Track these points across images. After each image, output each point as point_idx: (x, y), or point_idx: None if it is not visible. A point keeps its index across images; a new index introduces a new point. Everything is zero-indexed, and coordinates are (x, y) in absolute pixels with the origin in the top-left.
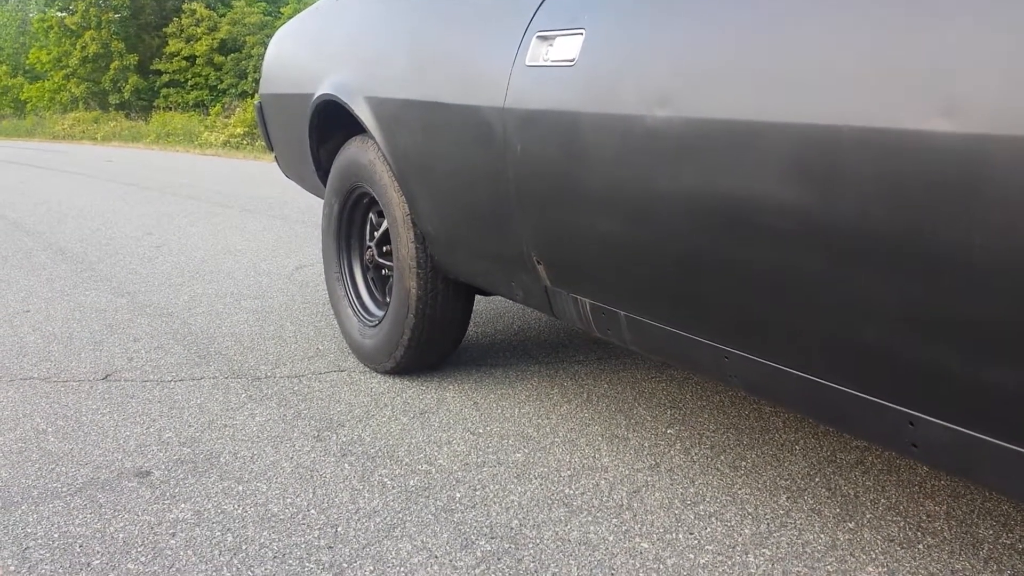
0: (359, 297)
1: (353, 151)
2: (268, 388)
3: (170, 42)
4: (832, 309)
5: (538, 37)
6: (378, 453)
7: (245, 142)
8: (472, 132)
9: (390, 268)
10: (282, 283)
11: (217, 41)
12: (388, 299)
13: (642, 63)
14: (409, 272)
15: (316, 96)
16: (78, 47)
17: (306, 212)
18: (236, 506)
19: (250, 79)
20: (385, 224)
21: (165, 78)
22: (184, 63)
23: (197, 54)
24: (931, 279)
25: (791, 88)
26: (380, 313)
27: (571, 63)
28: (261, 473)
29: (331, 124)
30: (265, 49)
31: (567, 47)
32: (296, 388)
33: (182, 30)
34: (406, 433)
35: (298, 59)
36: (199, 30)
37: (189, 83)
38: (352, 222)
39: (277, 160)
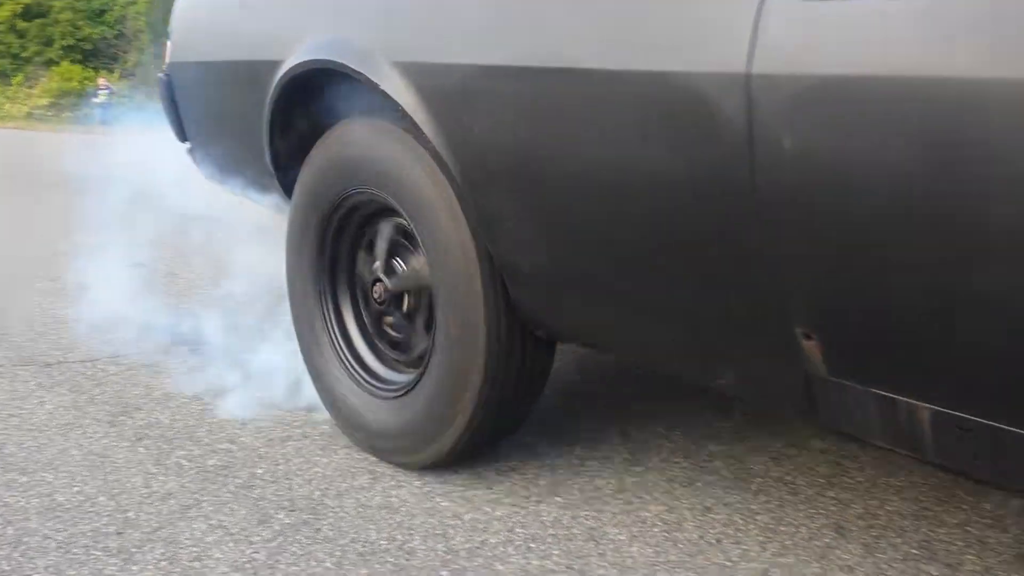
0: (355, 354)
1: (351, 141)
2: (60, 374)
3: None
4: None
5: None
6: (176, 435)
7: (50, 113)
8: (662, 116)
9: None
10: (80, 263)
11: (21, 6)
12: (403, 355)
13: None
14: (476, 344)
15: (289, 65)
16: None
17: (112, 188)
18: (19, 498)
19: (56, 46)
20: (420, 260)
21: None
22: None
23: None
24: None
25: None
26: (398, 378)
27: None
28: (48, 463)
29: (304, 105)
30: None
31: None
32: (90, 373)
33: None
34: (207, 413)
35: (250, 11)
36: None
37: None
38: (339, 244)
39: (192, 155)
